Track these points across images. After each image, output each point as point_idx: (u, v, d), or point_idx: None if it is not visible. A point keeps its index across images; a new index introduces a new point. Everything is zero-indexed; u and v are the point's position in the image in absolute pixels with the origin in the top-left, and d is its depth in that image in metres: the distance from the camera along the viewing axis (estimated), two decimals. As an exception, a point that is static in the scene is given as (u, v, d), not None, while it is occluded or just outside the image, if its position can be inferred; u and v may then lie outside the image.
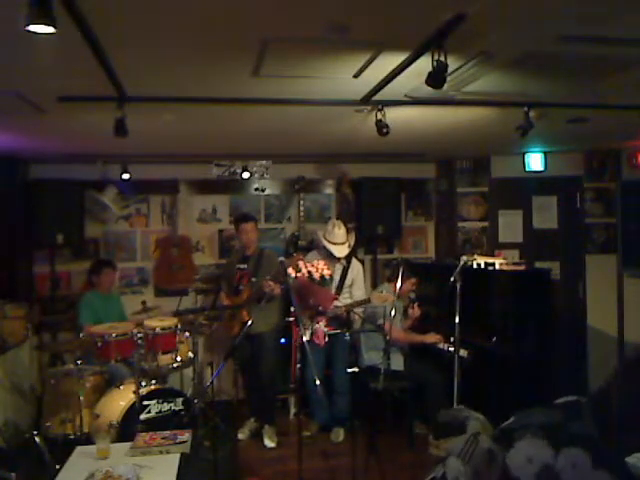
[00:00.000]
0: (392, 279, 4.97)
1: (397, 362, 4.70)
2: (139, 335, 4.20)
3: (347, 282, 4.93)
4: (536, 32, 2.35)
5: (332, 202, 6.31)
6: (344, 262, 4.96)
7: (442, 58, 2.30)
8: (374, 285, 5.99)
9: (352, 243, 4.98)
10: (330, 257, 4.81)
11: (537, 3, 2.07)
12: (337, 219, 5.15)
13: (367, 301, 4.65)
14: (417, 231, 6.51)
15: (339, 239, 4.84)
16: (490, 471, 1.50)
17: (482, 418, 2.13)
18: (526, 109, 3.47)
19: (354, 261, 5.06)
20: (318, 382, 3.35)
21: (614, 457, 1.39)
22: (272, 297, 4.68)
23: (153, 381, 4.28)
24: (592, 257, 6.05)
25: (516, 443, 1.46)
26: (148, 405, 4.05)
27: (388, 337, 4.05)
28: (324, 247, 4.87)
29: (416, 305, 4.87)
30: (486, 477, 1.49)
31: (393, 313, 4.06)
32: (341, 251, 4.84)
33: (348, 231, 5.03)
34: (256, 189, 6.11)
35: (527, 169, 5.95)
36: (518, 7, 2.09)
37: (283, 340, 5.18)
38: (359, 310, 4.76)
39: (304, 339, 3.53)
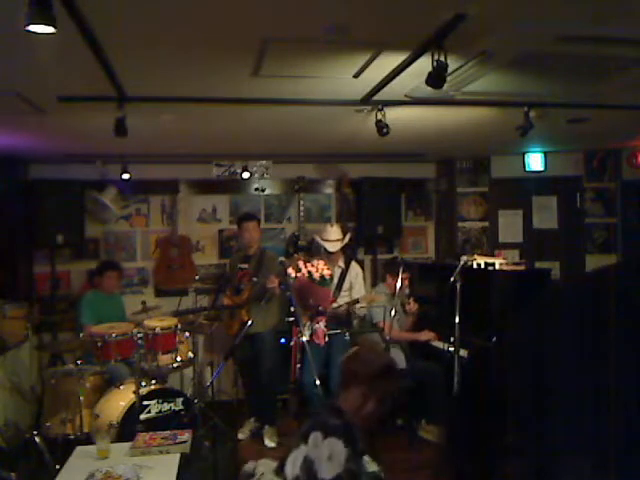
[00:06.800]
0: (386, 277, 5.03)
1: (398, 359, 4.71)
2: (139, 335, 4.19)
3: (345, 285, 4.92)
4: (536, 32, 2.35)
5: (332, 202, 6.31)
6: (342, 265, 4.96)
7: (442, 58, 2.31)
8: (373, 285, 5.99)
9: (347, 241, 4.99)
10: (326, 256, 4.83)
11: (537, 3, 2.07)
12: (337, 220, 5.18)
13: (356, 302, 4.69)
14: (417, 231, 6.51)
15: (332, 236, 4.90)
16: None
17: None
18: (526, 109, 3.47)
19: (353, 264, 5.05)
20: (318, 382, 3.35)
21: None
22: (272, 296, 4.69)
23: (153, 381, 4.28)
24: (592, 257, 6.04)
25: None
26: (148, 405, 4.05)
27: (388, 337, 4.05)
28: (320, 245, 4.92)
29: (412, 300, 4.91)
30: None
31: (393, 313, 4.06)
32: (334, 246, 4.88)
33: (346, 231, 5.05)
34: (256, 189, 6.11)
35: (527, 169, 5.94)
36: (518, 7, 2.09)
37: (283, 340, 5.18)
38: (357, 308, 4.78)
39: (304, 339, 3.53)
